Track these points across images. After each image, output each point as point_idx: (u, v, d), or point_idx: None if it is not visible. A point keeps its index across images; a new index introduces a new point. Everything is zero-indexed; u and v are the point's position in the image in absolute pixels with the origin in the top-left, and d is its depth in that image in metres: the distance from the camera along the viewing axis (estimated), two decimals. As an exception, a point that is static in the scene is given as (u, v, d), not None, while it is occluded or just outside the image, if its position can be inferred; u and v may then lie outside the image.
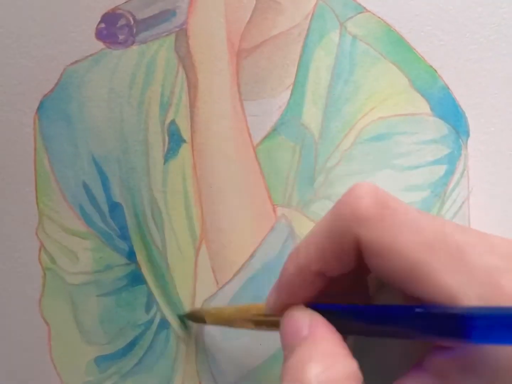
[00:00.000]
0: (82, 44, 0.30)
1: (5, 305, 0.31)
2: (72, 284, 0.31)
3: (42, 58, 0.30)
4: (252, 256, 0.30)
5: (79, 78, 0.30)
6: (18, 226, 0.30)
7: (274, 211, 0.30)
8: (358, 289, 0.24)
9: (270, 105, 0.30)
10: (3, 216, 0.30)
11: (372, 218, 0.19)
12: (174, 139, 0.30)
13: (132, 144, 0.30)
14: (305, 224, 0.30)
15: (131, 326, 0.30)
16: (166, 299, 0.31)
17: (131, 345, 0.31)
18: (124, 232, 0.31)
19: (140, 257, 0.31)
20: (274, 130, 0.30)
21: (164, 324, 0.31)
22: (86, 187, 0.30)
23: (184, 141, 0.30)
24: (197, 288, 0.30)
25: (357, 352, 0.21)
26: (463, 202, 0.31)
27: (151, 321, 0.31)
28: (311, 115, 0.30)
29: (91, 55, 0.30)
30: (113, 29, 0.30)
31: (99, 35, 0.30)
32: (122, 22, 0.30)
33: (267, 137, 0.30)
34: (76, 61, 0.30)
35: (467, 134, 0.30)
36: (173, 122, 0.30)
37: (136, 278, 0.31)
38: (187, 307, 0.30)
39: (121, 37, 0.30)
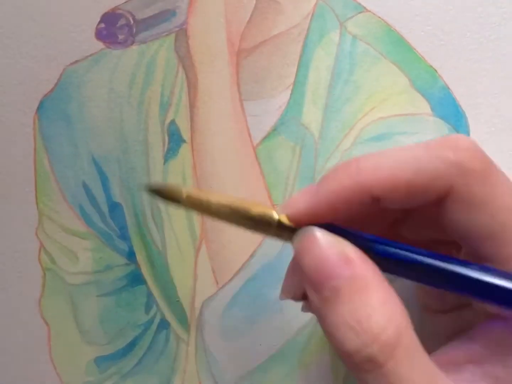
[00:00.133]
0: (82, 44, 0.30)
1: (5, 305, 0.31)
2: (72, 284, 0.31)
3: (42, 58, 0.30)
4: (252, 256, 0.30)
5: (79, 78, 0.30)
6: (18, 226, 0.30)
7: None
8: (391, 226, 0.23)
9: (270, 105, 0.30)
10: (3, 216, 0.30)
11: (478, 171, 0.19)
12: (174, 139, 0.30)
13: (132, 144, 0.30)
14: (305, 224, 0.30)
15: (131, 326, 0.30)
16: (166, 299, 0.30)
17: (131, 345, 0.31)
18: (124, 232, 0.31)
19: (140, 257, 0.31)
20: (274, 130, 0.30)
21: (164, 324, 0.31)
22: (86, 187, 0.30)
23: (184, 141, 0.30)
24: (197, 288, 0.30)
25: None
26: (463, 202, 0.31)
27: (151, 321, 0.31)
28: (311, 115, 0.30)
29: (91, 55, 0.30)
30: (113, 29, 0.30)
31: (99, 35, 0.30)
32: (122, 22, 0.30)
33: (267, 137, 0.30)
34: (76, 61, 0.30)
35: (467, 134, 0.30)
36: (173, 122, 0.30)
37: (136, 278, 0.31)
38: (187, 307, 0.30)
39: (121, 37, 0.30)
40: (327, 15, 0.30)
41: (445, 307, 0.24)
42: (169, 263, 0.30)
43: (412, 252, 0.20)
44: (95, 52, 0.30)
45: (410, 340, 0.19)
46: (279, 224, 0.21)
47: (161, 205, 0.30)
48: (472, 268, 0.19)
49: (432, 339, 0.22)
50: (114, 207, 0.30)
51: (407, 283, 0.21)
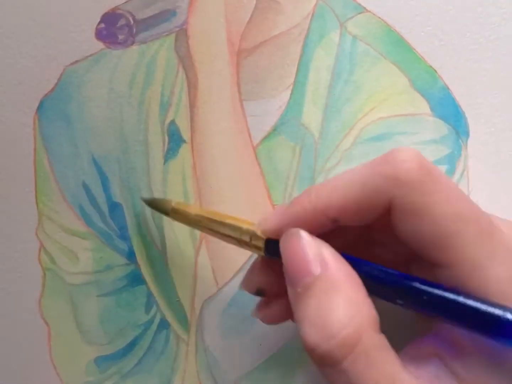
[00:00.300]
0: (82, 44, 0.30)
1: (5, 305, 0.31)
2: (72, 284, 0.31)
3: (42, 58, 0.29)
4: (251, 256, 0.30)
5: (79, 78, 0.30)
6: (18, 226, 0.30)
7: (274, 211, 0.30)
8: (360, 243, 0.24)
9: (270, 105, 0.30)
10: (3, 216, 0.30)
11: (414, 182, 0.20)
12: (174, 139, 0.30)
13: (132, 144, 0.30)
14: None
15: (131, 326, 0.30)
16: (166, 299, 0.30)
17: (131, 345, 0.31)
18: (124, 232, 0.31)
19: (140, 257, 0.31)
20: (274, 130, 0.30)
21: (164, 324, 0.31)
22: (86, 187, 0.30)
23: (184, 141, 0.30)
24: (197, 288, 0.30)
25: None
26: (463, 202, 0.31)
27: (151, 321, 0.31)
28: (311, 115, 0.30)
29: (91, 55, 0.30)
30: (113, 29, 0.30)
31: (99, 35, 0.30)
32: (122, 22, 0.30)
33: (267, 137, 0.30)
34: (76, 61, 0.30)
35: (467, 134, 0.30)
36: (173, 122, 0.30)
37: (136, 278, 0.31)
38: (187, 307, 0.30)
39: (121, 37, 0.30)
40: (327, 16, 0.30)
41: None
42: (169, 263, 0.30)
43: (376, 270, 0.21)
44: (95, 52, 0.30)
45: (372, 339, 0.19)
46: (254, 236, 0.24)
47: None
48: (414, 285, 0.20)
49: (405, 333, 0.22)
50: (114, 207, 0.30)
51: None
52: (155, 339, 0.31)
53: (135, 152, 0.30)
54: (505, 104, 0.30)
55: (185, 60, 0.30)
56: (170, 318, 0.31)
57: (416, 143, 0.30)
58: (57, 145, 0.30)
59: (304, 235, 0.21)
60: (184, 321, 0.31)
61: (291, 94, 0.30)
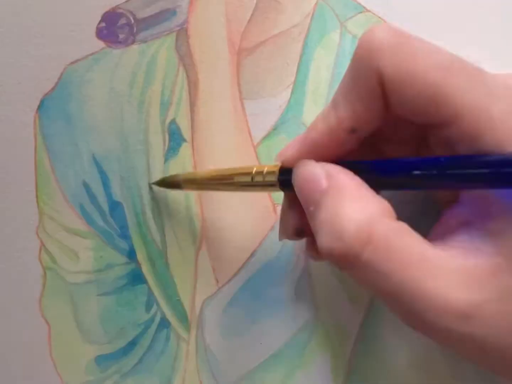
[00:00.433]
0: (82, 43, 0.30)
1: (6, 304, 0.31)
2: (72, 283, 0.31)
3: (43, 57, 0.30)
4: (252, 255, 0.30)
5: (80, 77, 0.30)
6: (19, 226, 0.30)
7: (275, 210, 0.30)
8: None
9: (271, 105, 0.30)
10: (3, 215, 0.30)
11: (389, 47, 0.20)
12: (175, 139, 0.30)
13: (132, 143, 0.30)
14: (306, 223, 0.30)
15: (131, 325, 0.30)
16: (167, 298, 0.31)
17: (132, 344, 0.31)
18: (125, 231, 0.31)
19: (141, 256, 0.31)
20: (275, 129, 0.30)
21: (164, 323, 0.31)
22: (86, 186, 0.30)
23: (184, 140, 0.30)
24: (197, 287, 0.30)
25: None
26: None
27: (151, 320, 0.31)
28: (312, 114, 0.30)
29: (91, 54, 0.30)
30: (113, 28, 0.30)
31: (100, 34, 0.30)
32: (122, 21, 0.30)
33: (267, 136, 0.30)
34: (77, 60, 0.30)
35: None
36: (173, 121, 0.30)
37: (136, 278, 0.31)
38: (187, 307, 0.30)
39: (121, 36, 0.30)
40: (328, 15, 0.30)
41: None
42: (169, 262, 0.30)
43: (402, 163, 0.20)
44: (95, 51, 0.30)
45: (388, 225, 0.19)
46: (267, 174, 0.24)
47: (162, 204, 0.30)
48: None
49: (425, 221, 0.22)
50: (115, 206, 0.30)
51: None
52: (155, 338, 0.31)
53: (135, 151, 0.30)
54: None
55: (186, 59, 0.30)
56: (170, 317, 0.31)
57: None
58: (58, 144, 0.30)
59: (312, 161, 0.22)
60: (184, 320, 0.31)
61: (291, 93, 0.30)
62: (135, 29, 0.30)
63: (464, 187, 0.20)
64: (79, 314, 0.31)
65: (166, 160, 0.30)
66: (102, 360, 0.31)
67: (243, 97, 0.30)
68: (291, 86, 0.30)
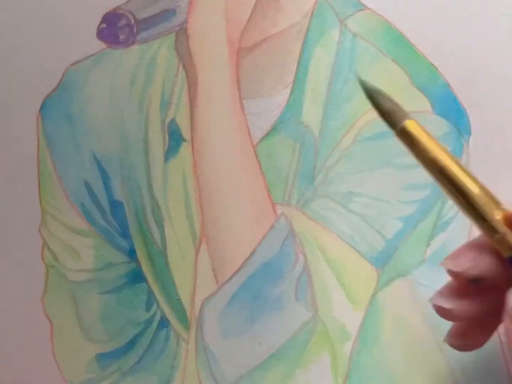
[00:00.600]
0: (83, 44, 0.30)
1: (9, 302, 0.31)
2: (74, 281, 0.31)
3: (44, 58, 0.30)
4: (252, 254, 0.30)
5: (81, 78, 0.30)
6: (22, 224, 0.31)
7: (274, 209, 0.30)
8: None
9: (270, 104, 0.30)
10: (6, 214, 0.31)
11: None
12: (175, 138, 0.30)
13: (132, 143, 0.30)
14: (305, 222, 0.30)
15: (131, 324, 0.31)
16: (166, 298, 0.31)
17: (132, 343, 0.31)
18: (125, 230, 0.31)
19: (141, 255, 0.31)
20: (274, 129, 0.30)
21: (164, 322, 0.31)
22: (87, 185, 0.31)
23: (184, 140, 0.30)
24: (197, 286, 0.30)
25: None
26: (465, 201, 0.30)
27: (151, 319, 0.31)
28: (311, 113, 0.30)
29: (92, 55, 0.30)
30: (114, 29, 0.30)
31: (100, 35, 0.30)
32: (123, 22, 0.30)
33: (267, 135, 0.30)
34: (78, 61, 0.30)
35: (468, 132, 0.30)
36: (173, 121, 0.30)
37: (136, 276, 0.31)
38: (187, 306, 0.31)
39: (122, 37, 0.30)
40: (327, 13, 0.30)
41: None
42: (169, 262, 0.31)
43: None
44: (96, 52, 0.30)
45: None
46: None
47: (162, 203, 0.31)
48: None
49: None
50: (116, 205, 0.31)
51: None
52: (155, 337, 0.31)
53: (135, 151, 0.30)
54: (508, 101, 0.30)
55: (185, 59, 0.30)
56: (170, 316, 0.31)
57: None
58: (60, 144, 0.31)
59: None
60: (184, 320, 0.31)
61: (290, 92, 0.30)
62: (135, 29, 0.30)
63: None
64: (80, 312, 0.31)
65: (166, 159, 0.30)
66: (102, 358, 0.31)
67: (242, 96, 0.30)
68: (290, 85, 0.30)
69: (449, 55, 0.29)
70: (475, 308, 0.21)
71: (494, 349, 0.30)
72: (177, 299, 0.31)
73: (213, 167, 0.30)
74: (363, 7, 0.30)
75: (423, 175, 0.30)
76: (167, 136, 0.30)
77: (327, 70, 0.30)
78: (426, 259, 0.30)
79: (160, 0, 0.30)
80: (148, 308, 0.31)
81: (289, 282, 0.30)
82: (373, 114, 0.30)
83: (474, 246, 0.22)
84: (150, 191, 0.31)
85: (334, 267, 0.30)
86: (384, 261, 0.30)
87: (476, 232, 0.30)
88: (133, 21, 0.30)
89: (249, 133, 0.30)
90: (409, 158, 0.30)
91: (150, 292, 0.31)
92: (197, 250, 0.30)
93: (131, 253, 0.31)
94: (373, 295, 0.30)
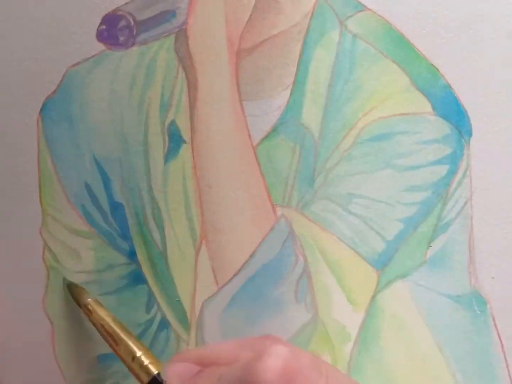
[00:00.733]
0: (83, 46, 0.30)
1: (10, 303, 0.31)
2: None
3: (44, 60, 0.30)
4: (252, 256, 0.30)
5: (81, 80, 0.30)
6: (23, 226, 0.31)
7: (274, 211, 0.30)
8: None
9: (270, 105, 0.30)
10: (7, 215, 0.31)
11: None
12: (174, 140, 0.30)
13: (132, 145, 0.30)
14: (305, 224, 0.30)
15: (132, 325, 0.31)
16: (167, 299, 0.31)
17: (132, 344, 0.31)
18: (125, 232, 0.31)
19: (141, 257, 0.31)
20: (274, 130, 0.30)
21: (164, 323, 0.31)
22: (88, 187, 0.31)
23: (184, 141, 0.30)
24: (197, 288, 0.31)
25: None
26: (465, 202, 0.30)
27: (151, 321, 0.31)
28: (311, 114, 0.30)
29: (92, 56, 0.30)
30: (114, 31, 0.30)
31: (100, 36, 0.30)
32: (122, 23, 0.30)
33: (266, 137, 0.30)
34: (78, 63, 0.30)
35: (469, 133, 0.30)
36: (173, 122, 0.30)
37: (137, 278, 0.31)
38: (187, 307, 0.31)
39: (121, 38, 0.30)
40: (327, 14, 0.30)
41: None
42: (169, 263, 0.31)
43: None
44: (96, 54, 0.30)
45: None
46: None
47: (162, 205, 0.31)
48: None
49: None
50: (116, 207, 0.31)
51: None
52: (155, 339, 0.31)
53: (135, 153, 0.30)
54: (509, 102, 0.29)
55: (185, 60, 0.30)
56: (170, 317, 0.31)
57: (417, 142, 0.30)
58: (60, 146, 0.31)
59: None
60: (184, 321, 0.31)
61: (290, 93, 0.30)
62: (135, 31, 0.30)
63: None
64: (81, 313, 0.31)
65: (166, 161, 0.30)
66: (103, 359, 0.31)
67: (242, 98, 0.30)
68: (290, 86, 0.30)
69: (450, 56, 0.29)
70: None
71: (494, 349, 0.30)
72: (177, 300, 0.31)
73: (213, 168, 0.30)
74: (363, 8, 0.29)
75: (423, 176, 0.30)
76: (167, 137, 0.30)
77: (327, 71, 0.30)
78: (427, 261, 0.30)
79: (159, 1, 0.30)
80: (148, 310, 0.31)
81: (289, 284, 0.30)
82: (373, 115, 0.30)
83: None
84: (150, 193, 0.31)
85: (334, 268, 0.30)
86: (384, 262, 0.30)
87: (476, 232, 0.30)
88: (132, 23, 0.30)
89: (249, 135, 0.30)
90: (409, 159, 0.30)
91: (150, 294, 0.31)
92: (197, 252, 0.31)
93: (131, 254, 0.31)
94: (373, 297, 0.30)
